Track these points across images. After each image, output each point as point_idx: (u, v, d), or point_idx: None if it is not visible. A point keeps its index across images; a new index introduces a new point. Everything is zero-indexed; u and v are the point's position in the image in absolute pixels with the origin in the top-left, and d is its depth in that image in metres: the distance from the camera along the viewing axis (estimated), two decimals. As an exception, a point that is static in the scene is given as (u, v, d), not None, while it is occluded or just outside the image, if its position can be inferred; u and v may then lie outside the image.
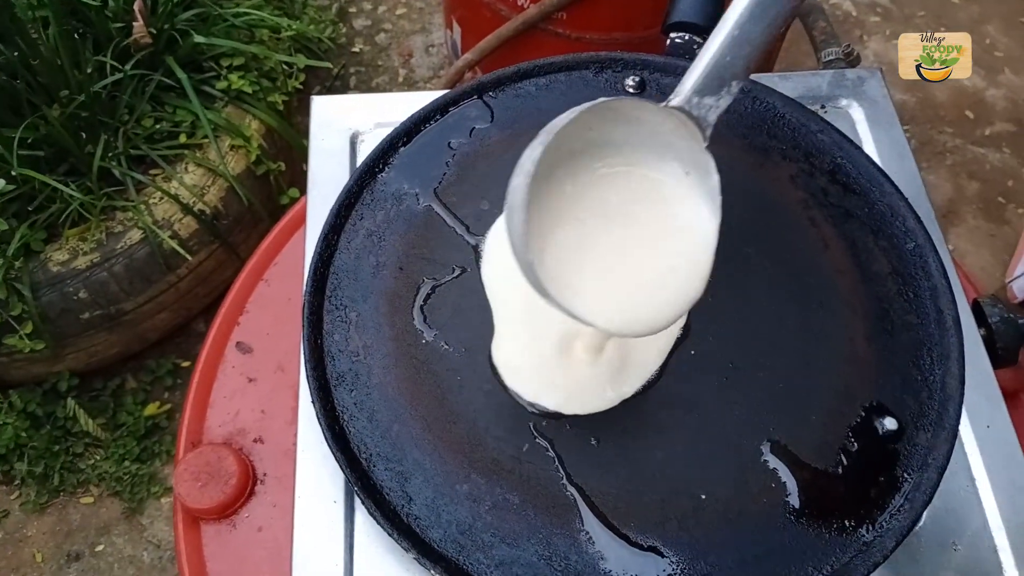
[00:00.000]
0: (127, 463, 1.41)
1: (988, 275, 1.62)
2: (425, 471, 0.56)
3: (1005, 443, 0.62)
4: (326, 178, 0.70)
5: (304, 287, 0.62)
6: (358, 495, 0.55)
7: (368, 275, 0.63)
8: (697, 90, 0.51)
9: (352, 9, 1.97)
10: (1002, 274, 1.60)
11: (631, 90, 0.70)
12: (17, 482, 1.40)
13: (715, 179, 0.50)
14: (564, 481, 0.56)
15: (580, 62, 0.71)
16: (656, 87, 0.71)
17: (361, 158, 0.71)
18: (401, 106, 0.72)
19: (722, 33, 0.52)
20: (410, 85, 1.85)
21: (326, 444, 0.56)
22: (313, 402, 0.57)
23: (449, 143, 0.68)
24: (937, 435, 0.57)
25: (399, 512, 0.54)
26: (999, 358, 0.66)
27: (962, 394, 0.58)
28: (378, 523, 0.53)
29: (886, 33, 1.94)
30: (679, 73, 0.57)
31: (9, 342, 1.25)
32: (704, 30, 0.72)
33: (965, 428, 0.62)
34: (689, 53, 0.72)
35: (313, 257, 0.63)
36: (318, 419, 0.57)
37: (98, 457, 1.42)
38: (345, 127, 0.74)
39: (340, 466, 0.55)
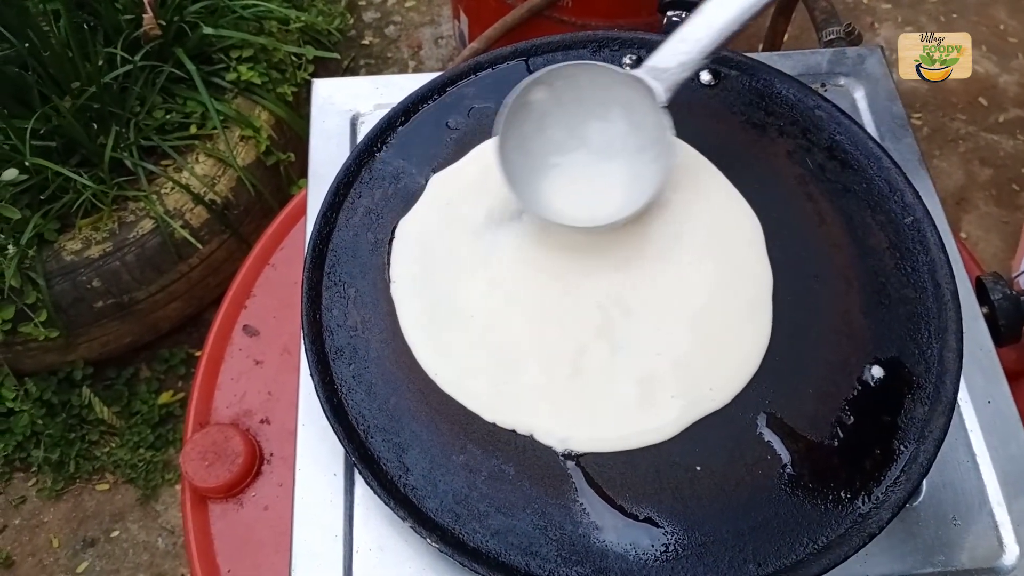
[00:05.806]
0: (141, 450, 1.43)
1: (999, 262, 1.60)
2: (422, 442, 0.56)
3: (1006, 419, 0.62)
4: (326, 159, 0.71)
5: (304, 263, 0.63)
6: (356, 466, 0.55)
7: (366, 252, 0.63)
8: (658, 61, 0.61)
9: (362, 2, 1.98)
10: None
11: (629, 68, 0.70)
12: (34, 469, 1.42)
13: (669, 134, 0.61)
14: (560, 452, 0.56)
15: (577, 41, 0.71)
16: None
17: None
18: (400, 87, 0.73)
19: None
20: (419, 76, 1.85)
21: (325, 417, 0.57)
22: (312, 376, 0.58)
23: (447, 123, 0.69)
24: (935, 408, 0.56)
25: (396, 482, 0.55)
26: (1001, 336, 0.66)
27: (959, 367, 0.57)
28: (375, 493, 0.54)
29: (898, 20, 1.92)
30: (676, 51, 0.61)
31: (24, 330, 1.27)
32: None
33: (966, 404, 0.62)
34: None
35: (312, 234, 0.63)
36: (317, 392, 0.57)
37: (113, 445, 1.44)
38: (345, 109, 0.75)
39: (338, 438, 0.56)
